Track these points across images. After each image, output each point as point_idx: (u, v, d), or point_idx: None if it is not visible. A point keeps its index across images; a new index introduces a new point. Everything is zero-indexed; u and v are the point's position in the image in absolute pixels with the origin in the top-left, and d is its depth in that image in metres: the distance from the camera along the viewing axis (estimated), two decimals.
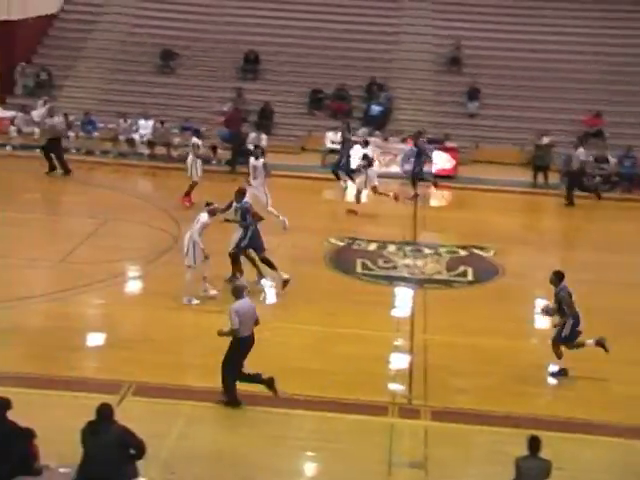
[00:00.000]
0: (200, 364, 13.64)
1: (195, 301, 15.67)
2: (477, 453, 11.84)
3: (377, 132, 26.68)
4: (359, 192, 21.87)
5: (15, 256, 16.44)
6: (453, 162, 25.82)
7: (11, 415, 9.43)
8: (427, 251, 19.32)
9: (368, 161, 21.93)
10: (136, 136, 25.35)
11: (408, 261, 18.73)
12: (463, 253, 19.34)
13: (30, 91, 28.55)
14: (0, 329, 14.66)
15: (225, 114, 26.23)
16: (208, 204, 15.99)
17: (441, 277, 18.04)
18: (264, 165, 19.78)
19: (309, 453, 11.72)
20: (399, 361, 14.29)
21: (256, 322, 12.51)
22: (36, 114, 26.03)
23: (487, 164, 26.23)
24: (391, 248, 19.38)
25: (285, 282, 16.45)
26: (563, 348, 13.71)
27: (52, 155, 23.05)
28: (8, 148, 25.29)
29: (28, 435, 9.46)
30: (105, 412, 9.22)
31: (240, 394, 12.45)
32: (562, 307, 13.53)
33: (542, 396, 13.57)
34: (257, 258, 16.57)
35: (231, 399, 12.43)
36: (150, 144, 25.35)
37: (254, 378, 12.40)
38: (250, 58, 29.54)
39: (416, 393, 13.16)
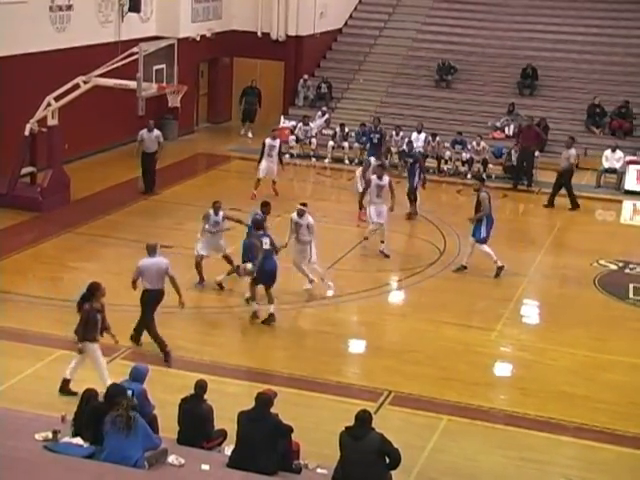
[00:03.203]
0: (461, 379, 13.50)
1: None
2: None
3: None
4: None
5: (289, 261, 16.99)
6: None
7: (276, 412, 9.72)
8: None
9: None
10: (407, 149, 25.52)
11: None
12: None
13: (310, 102, 29.65)
14: (272, 330, 15.29)
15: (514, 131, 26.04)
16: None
17: None
18: (390, 183, 18.80)
19: None
20: None
21: (172, 280, 13.43)
22: (314, 125, 26.99)
23: None
24: None
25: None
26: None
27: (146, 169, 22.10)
28: (287, 156, 26.33)
29: (289, 432, 9.73)
30: (364, 418, 9.28)
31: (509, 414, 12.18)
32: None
33: None
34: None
35: (161, 346, 13.46)
36: (421, 157, 25.42)
37: (158, 340, 13.48)
38: (528, 73, 29.04)
39: None
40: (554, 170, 23.19)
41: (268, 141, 22.12)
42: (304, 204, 16.52)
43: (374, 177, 18.87)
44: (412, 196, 21.23)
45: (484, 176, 19.21)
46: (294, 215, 16.35)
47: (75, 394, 11.41)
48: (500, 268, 17.53)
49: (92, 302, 12.11)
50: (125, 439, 9.00)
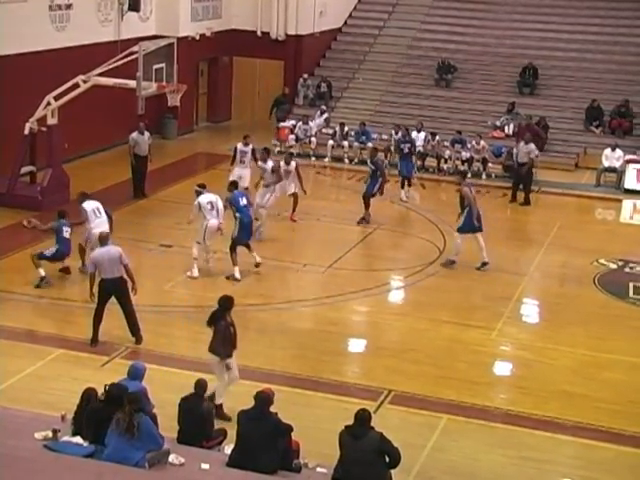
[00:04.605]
0: (461, 378, 13.49)
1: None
2: None
3: None
4: None
5: (289, 260, 17.02)
6: None
7: (275, 411, 9.72)
8: None
9: None
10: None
11: None
12: None
13: (310, 102, 29.63)
14: (272, 330, 15.31)
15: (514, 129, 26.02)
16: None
17: None
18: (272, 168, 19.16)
19: None
20: None
21: (126, 268, 13.75)
22: (314, 124, 26.97)
23: None
24: None
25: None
26: None
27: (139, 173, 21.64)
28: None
29: (289, 431, 9.73)
30: (364, 418, 9.28)
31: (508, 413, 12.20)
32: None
33: None
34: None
35: (94, 335, 13.84)
36: (421, 156, 25.46)
37: (95, 326, 13.79)
38: (528, 72, 29.03)
39: None
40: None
41: (239, 147, 20.87)
42: (202, 185, 17.12)
43: (282, 163, 19.59)
44: (367, 201, 20.61)
45: (463, 169, 19.53)
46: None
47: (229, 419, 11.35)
48: (452, 262, 17.79)
49: (226, 317, 11.95)
50: (127, 441, 9.00)
